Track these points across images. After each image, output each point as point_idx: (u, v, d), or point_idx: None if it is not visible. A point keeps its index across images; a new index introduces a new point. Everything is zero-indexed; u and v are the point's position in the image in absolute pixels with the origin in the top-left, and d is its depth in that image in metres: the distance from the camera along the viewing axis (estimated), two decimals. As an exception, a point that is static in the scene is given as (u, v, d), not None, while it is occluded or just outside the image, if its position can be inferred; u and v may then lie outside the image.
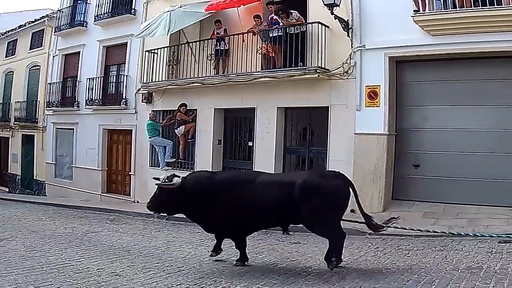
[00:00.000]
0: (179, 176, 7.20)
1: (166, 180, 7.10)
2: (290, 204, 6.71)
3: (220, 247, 7.63)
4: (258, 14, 13.52)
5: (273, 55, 13.01)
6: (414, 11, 10.32)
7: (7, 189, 26.07)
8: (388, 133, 11.21)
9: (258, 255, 8.07)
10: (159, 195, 7.20)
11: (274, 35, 12.90)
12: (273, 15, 13.12)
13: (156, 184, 7.24)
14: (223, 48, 14.37)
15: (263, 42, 13.24)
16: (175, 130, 15.35)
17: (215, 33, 14.55)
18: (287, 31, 12.55)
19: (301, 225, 7.16)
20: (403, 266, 6.85)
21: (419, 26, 10.44)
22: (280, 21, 12.90)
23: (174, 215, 8.81)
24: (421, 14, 10.31)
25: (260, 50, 13.28)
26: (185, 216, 7.70)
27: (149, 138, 15.92)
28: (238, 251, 7.41)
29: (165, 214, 8.30)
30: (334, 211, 6.82)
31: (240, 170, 13.41)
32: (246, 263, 7.29)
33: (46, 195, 22.26)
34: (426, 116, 11.25)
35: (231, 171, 13.54)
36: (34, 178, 24.01)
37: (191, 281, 6.55)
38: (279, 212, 6.83)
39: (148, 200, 7.32)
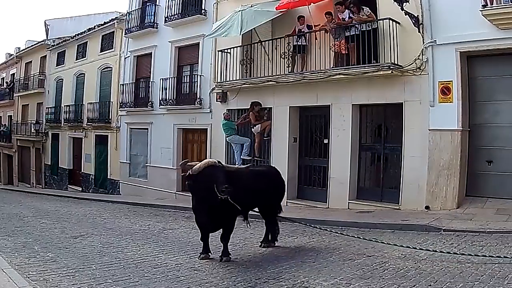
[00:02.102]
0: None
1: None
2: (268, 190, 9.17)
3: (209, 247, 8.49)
4: (330, 11, 14.65)
5: (345, 52, 14.10)
6: (482, 5, 11.01)
7: (80, 188, 28.48)
8: (461, 128, 11.94)
9: (335, 251, 8.73)
10: (230, 180, 7.65)
11: (351, 33, 13.86)
12: (344, 14, 14.17)
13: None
14: (303, 44, 15.48)
15: (335, 40, 14.35)
16: (252, 129, 16.67)
17: (297, 29, 15.71)
18: (360, 28, 13.52)
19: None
20: (477, 261, 7.25)
21: (488, 20, 11.08)
22: (351, 16, 13.93)
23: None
24: (490, 8, 10.94)
25: (333, 48, 14.36)
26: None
27: (227, 136, 17.33)
28: (224, 246, 8.28)
29: None
30: None
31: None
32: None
33: (120, 194, 24.27)
34: (498, 111, 11.96)
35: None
36: (108, 177, 26.10)
37: (270, 275, 7.11)
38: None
39: (222, 186, 7.41)
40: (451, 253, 7.52)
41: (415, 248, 7.85)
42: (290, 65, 15.80)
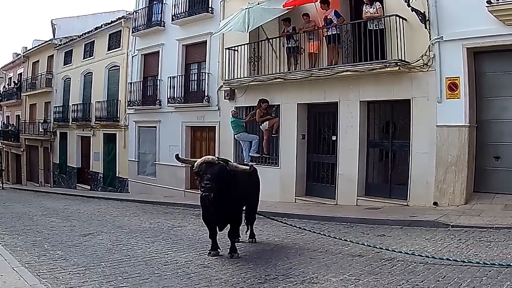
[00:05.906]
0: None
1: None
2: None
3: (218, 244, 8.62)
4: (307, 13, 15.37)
5: (315, 51, 15.03)
6: (487, 1, 11.06)
7: (88, 187, 28.83)
8: (469, 124, 11.96)
9: (344, 247, 8.76)
10: (220, 178, 7.56)
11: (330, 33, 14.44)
12: (330, 14, 14.61)
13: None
14: (293, 46, 15.91)
15: (310, 41, 15.08)
16: (260, 126, 16.84)
17: (285, 31, 16.17)
18: (368, 25, 13.56)
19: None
20: (484, 257, 7.21)
21: (494, 16, 11.11)
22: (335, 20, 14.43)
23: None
24: (495, 4, 10.97)
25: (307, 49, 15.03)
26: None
27: (235, 134, 17.62)
28: (231, 243, 8.48)
29: None
30: None
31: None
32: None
33: (128, 192, 24.50)
34: (506, 107, 11.98)
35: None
36: (117, 175, 26.42)
37: (279, 272, 7.17)
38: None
39: (207, 182, 7.39)
40: (458, 261, 7.19)
41: (421, 256, 7.68)
42: (292, 64, 16.14)
